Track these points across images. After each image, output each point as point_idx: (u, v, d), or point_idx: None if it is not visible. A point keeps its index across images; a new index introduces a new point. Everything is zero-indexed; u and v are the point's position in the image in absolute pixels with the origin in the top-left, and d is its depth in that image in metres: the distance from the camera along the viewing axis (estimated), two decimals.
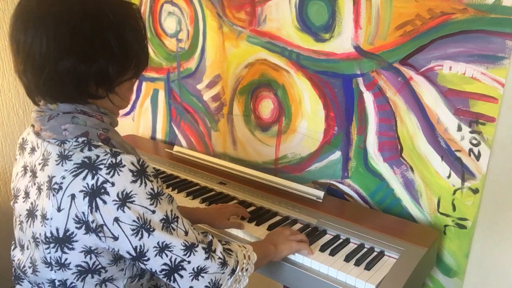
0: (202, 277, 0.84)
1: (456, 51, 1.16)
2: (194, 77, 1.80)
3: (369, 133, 1.37)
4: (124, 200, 0.75)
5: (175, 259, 0.81)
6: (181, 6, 1.76)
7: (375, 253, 1.14)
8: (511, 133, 1.14)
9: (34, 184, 0.83)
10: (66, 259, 0.79)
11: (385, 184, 1.38)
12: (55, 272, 0.81)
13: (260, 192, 1.43)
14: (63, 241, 0.78)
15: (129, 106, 2.09)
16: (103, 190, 0.74)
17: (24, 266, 0.86)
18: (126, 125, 2.12)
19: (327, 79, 1.42)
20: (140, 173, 0.77)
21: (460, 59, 1.16)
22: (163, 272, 0.82)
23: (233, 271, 0.88)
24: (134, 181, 0.76)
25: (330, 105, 1.43)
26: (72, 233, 0.77)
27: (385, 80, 1.30)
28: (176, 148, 1.79)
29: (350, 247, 1.17)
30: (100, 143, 0.80)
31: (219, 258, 0.86)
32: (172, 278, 0.82)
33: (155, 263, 0.80)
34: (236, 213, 1.26)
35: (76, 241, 0.77)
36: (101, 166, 0.75)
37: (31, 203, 0.83)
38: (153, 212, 0.78)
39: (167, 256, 0.80)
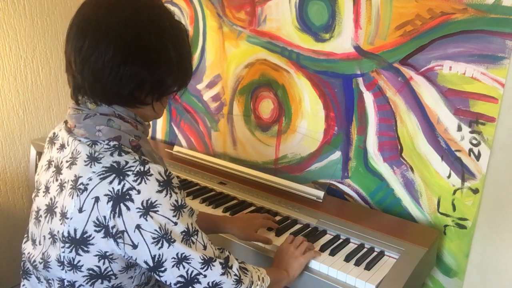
0: None
1: (456, 51, 1.16)
2: (194, 77, 1.80)
3: (369, 133, 1.37)
4: (148, 209, 0.75)
5: (192, 271, 0.80)
6: (181, 6, 1.76)
7: (375, 253, 1.14)
8: (511, 133, 1.14)
9: (57, 180, 0.83)
10: (79, 261, 0.79)
11: (385, 184, 1.38)
12: (66, 272, 0.81)
13: (260, 192, 1.43)
14: (79, 242, 0.78)
15: None
16: (128, 197, 0.74)
17: (35, 261, 0.87)
18: None
19: (327, 79, 1.42)
20: (166, 184, 0.77)
21: (460, 59, 1.16)
22: (178, 285, 0.81)
23: None
24: (159, 191, 0.76)
25: (330, 105, 1.44)
26: (90, 235, 0.77)
27: (385, 80, 1.30)
28: (176, 148, 1.79)
29: (350, 247, 1.17)
30: (130, 150, 0.81)
31: (235, 275, 0.85)
32: None
33: (171, 275, 0.80)
34: (265, 225, 1.22)
35: (92, 244, 0.77)
36: (129, 173, 0.76)
37: (51, 199, 0.84)
38: (175, 224, 0.78)
39: (184, 268, 0.80)
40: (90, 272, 0.80)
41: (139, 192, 0.75)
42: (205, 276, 0.81)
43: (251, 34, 1.57)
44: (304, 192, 1.42)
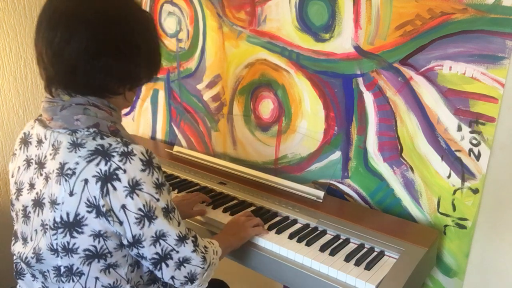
0: (184, 267, 0.90)
1: (456, 51, 1.16)
2: (194, 77, 1.80)
3: (369, 133, 1.37)
4: (134, 187, 0.80)
5: (167, 248, 0.86)
6: (181, 6, 1.76)
7: (375, 253, 1.14)
8: (511, 133, 1.14)
9: (41, 174, 0.85)
10: (74, 244, 0.82)
11: (385, 184, 1.38)
12: (61, 258, 0.83)
13: (260, 192, 1.43)
14: (73, 225, 0.80)
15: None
16: (115, 176, 0.79)
17: (27, 257, 0.88)
18: (126, 125, 2.11)
19: (327, 79, 1.42)
20: (148, 163, 0.82)
21: (460, 59, 1.16)
22: (152, 261, 0.87)
23: (208, 266, 0.95)
24: (143, 170, 0.81)
25: (330, 105, 1.43)
26: (83, 217, 0.80)
27: (385, 80, 1.30)
28: (176, 148, 1.79)
29: (350, 247, 1.17)
30: (109, 134, 0.85)
31: (202, 252, 0.92)
32: (158, 266, 0.88)
33: (148, 251, 0.85)
34: (199, 201, 1.34)
35: (86, 225, 0.80)
36: (114, 154, 0.80)
37: (37, 193, 0.85)
38: (158, 200, 0.83)
39: (160, 245, 0.85)
40: (87, 252, 0.82)
41: (125, 171, 0.79)
42: (177, 252, 0.87)
43: (251, 34, 1.57)
44: (304, 192, 1.42)
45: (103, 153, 0.79)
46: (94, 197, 0.79)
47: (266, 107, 1.61)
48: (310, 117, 1.49)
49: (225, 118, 1.74)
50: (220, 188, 1.47)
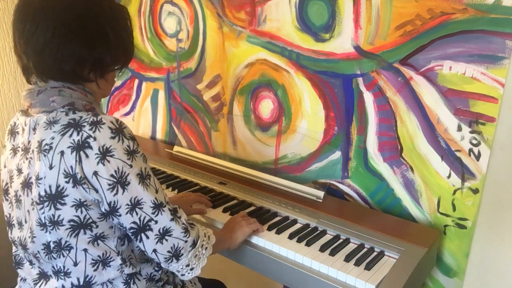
0: (166, 240, 0.90)
1: (456, 51, 1.16)
2: (194, 77, 1.80)
3: (369, 133, 1.37)
4: (105, 153, 0.83)
5: (144, 217, 0.87)
6: (181, 6, 1.76)
7: (375, 253, 1.14)
8: (511, 133, 1.14)
9: (27, 158, 0.89)
10: (59, 216, 0.84)
11: (385, 184, 1.38)
12: (50, 232, 0.86)
13: (260, 192, 1.43)
14: (56, 197, 0.83)
15: (129, 106, 2.09)
16: (87, 144, 0.82)
17: (25, 239, 0.91)
18: None
19: (327, 79, 1.42)
20: (118, 131, 0.85)
21: (460, 59, 1.16)
22: (131, 231, 0.88)
23: (194, 244, 0.95)
24: (113, 137, 0.84)
25: (330, 105, 1.43)
26: (63, 188, 0.83)
27: (385, 80, 1.30)
28: (176, 148, 1.79)
29: (350, 247, 1.17)
30: (83, 110, 0.88)
31: (183, 223, 0.93)
32: (139, 237, 0.89)
33: (126, 220, 0.87)
34: (198, 201, 1.34)
35: (67, 195, 0.83)
36: (85, 124, 0.83)
37: (25, 177, 0.89)
38: (131, 166, 0.85)
39: (137, 214, 0.87)
40: (72, 223, 0.85)
41: (95, 139, 0.82)
42: (156, 222, 0.88)
43: (251, 34, 1.57)
44: (304, 192, 1.42)
45: (75, 125, 0.83)
46: (71, 166, 0.82)
47: (266, 107, 1.61)
48: (310, 117, 1.49)
49: (225, 118, 1.74)
50: (220, 188, 1.47)
